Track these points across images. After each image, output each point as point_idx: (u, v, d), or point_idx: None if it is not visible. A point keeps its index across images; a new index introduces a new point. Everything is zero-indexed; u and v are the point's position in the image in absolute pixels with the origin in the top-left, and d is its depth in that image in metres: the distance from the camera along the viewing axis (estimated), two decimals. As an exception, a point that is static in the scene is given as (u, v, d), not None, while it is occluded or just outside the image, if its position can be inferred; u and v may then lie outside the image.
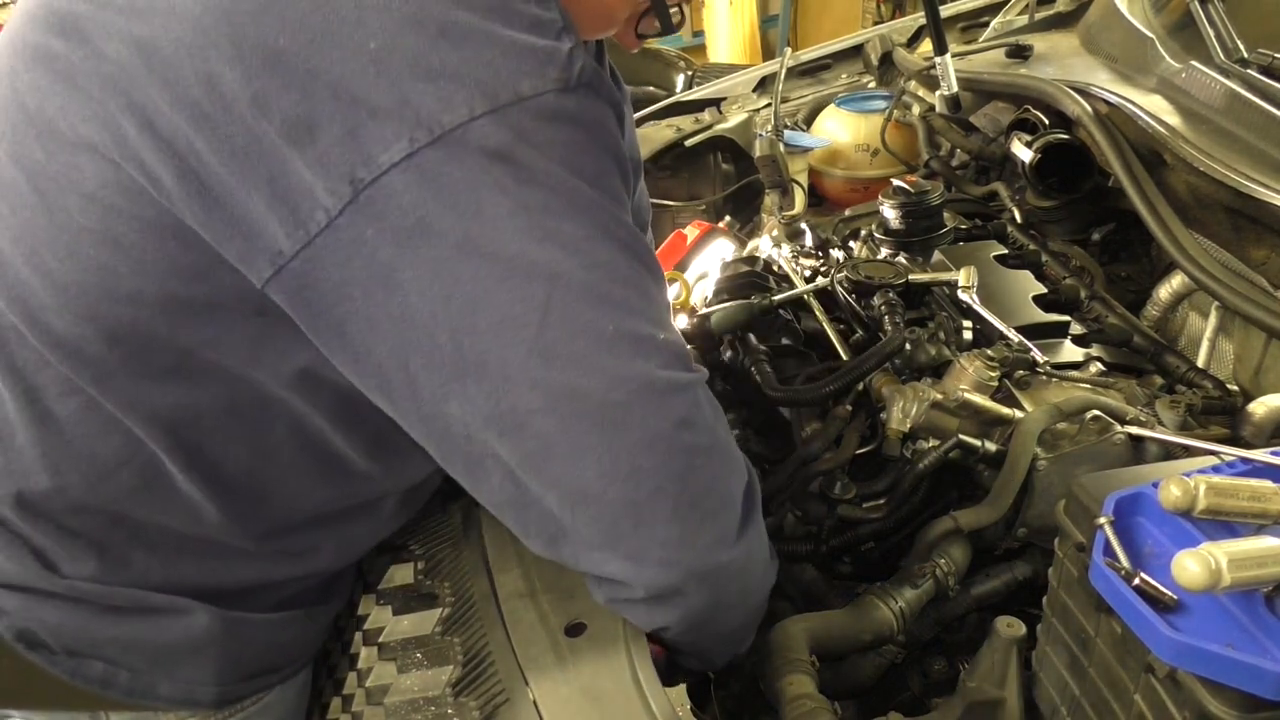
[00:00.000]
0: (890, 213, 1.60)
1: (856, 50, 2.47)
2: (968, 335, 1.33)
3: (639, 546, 0.84)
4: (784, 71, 2.19)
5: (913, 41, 2.43)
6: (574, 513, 0.82)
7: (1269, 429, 1.17)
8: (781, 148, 2.08)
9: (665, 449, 0.81)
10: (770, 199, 2.15)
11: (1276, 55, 1.38)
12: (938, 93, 2.00)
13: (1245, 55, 1.42)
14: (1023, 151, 1.67)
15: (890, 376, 1.28)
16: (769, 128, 2.09)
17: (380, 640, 1.01)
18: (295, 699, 1.09)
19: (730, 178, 2.35)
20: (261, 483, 0.94)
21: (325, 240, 0.76)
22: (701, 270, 1.90)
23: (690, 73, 3.90)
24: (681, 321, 1.47)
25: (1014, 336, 1.28)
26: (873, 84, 2.41)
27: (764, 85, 2.40)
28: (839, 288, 1.47)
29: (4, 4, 4.51)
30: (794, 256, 1.69)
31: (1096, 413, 1.12)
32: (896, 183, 1.65)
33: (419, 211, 0.75)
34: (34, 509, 0.91)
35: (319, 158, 0.74)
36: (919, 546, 1.12)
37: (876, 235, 1.62)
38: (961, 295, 1.37)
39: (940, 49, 1.93)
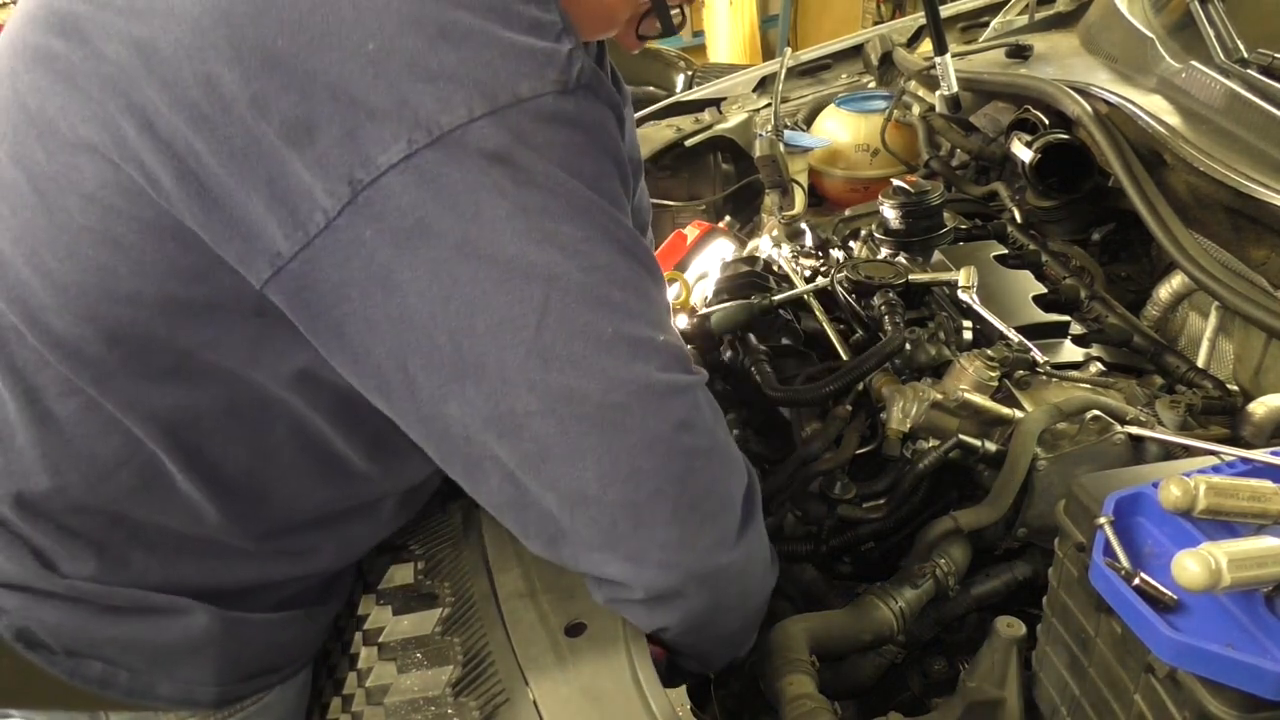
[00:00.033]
0: (890, 213, 1.60)
1: (856, 50, 2.47)
2: (968, 335, 1.33)
3: (638, 548, 0.84)
4: (784, 71, 2.19)
5: (913, 41, 2.43)
6: (573, 514, 0.82)
7: (1269, 429, 1.17)
8: (781, 148, 2.07)
9: (665, 451, 0.81)
10: (770, 199, 2.15)
11: (1276, 55, 1.38)
12: (938, 93, 2.00)
13: (1245, 55, 1.42)
14: (1023, 151, 1.67)
15: (890, 376, 1.28)
16: (769, 128, 2.09)
17: (380, 640, 1.01)
18: (295, 699, 1.09)
19: (730, 178, 2.35)
20: (261, 483, 0.94)
21: (324, 241, 0.76)
22: (701, 270, 1.90)
23: (690, 73, 3.90)
24: (681, 321, 1.47)
25: (1014, 336, 1.28)
26: (873, 84, 2.41)
27: (764, 85, 2.40)
28: (839, 288, 1.47)
29: (4, 4, 4.51)
30: (794, 256, 1.68)
31: (1096, 413, 1.12)
32: (896, 183, 1.65)
33: (418, 213, 0.75)
34: (34, 509, 0.91)
35: (318, 159, 0.74)
36: (919, 546, 1.12)
37: (876, 235, 1.62)
38: (961, 295, 1.37)
39: (940, 49, 1.93)
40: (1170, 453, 1.08)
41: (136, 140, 0.78)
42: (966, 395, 1.16)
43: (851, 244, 1.71)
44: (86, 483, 0.90)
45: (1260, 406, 1.19)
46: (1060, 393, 1.19)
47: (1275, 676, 0.65)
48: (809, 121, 2.30)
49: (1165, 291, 1.49)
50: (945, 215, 1.64)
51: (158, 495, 0.91)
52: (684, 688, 0.89)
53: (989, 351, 1.23)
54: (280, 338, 0.84)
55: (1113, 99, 1.53)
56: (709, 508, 0.85)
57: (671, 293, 1.61)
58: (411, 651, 0.97)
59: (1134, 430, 1.09)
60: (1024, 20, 2.17)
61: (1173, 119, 1.43)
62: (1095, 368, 1.30)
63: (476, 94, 0.75)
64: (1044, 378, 1.22)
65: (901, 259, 1.53)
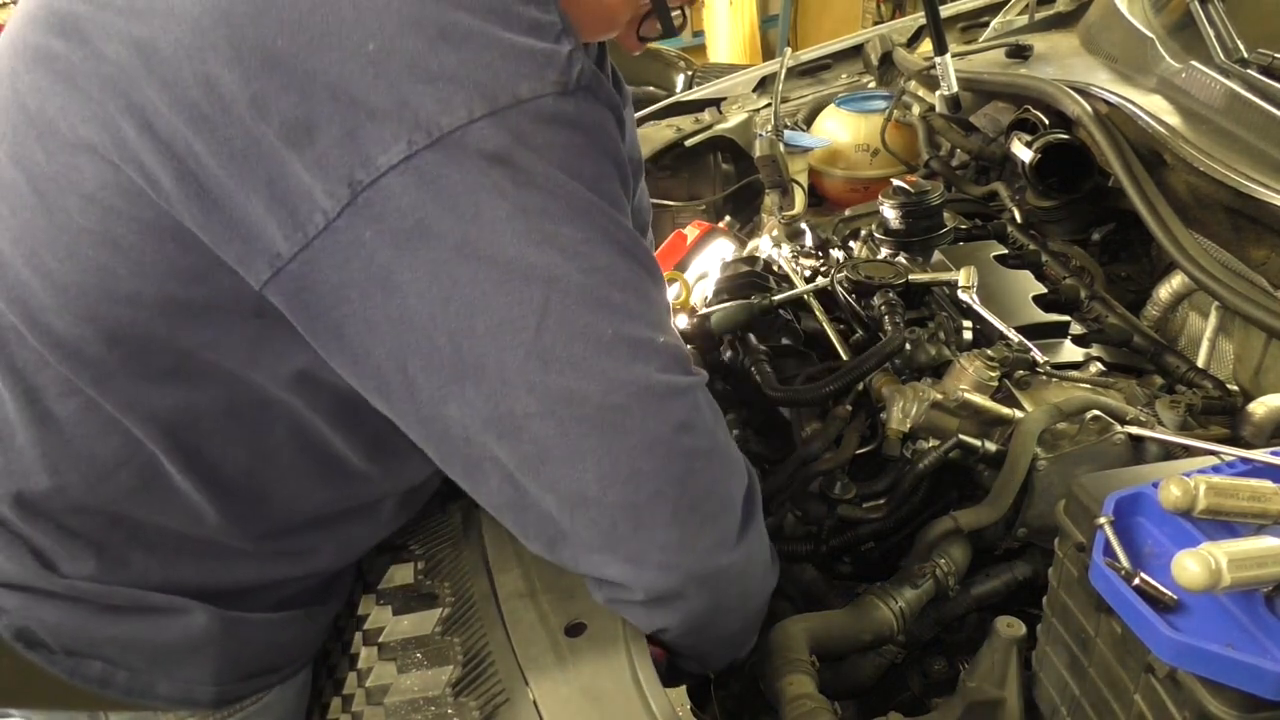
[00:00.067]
0: (890, 213, 1.60)
1: (856, 50, 2.47)
2: (968, 335, 1.33)
3: (638, 549, 0.83)
4: (784, 71, 2.19)
5: (913, 41, 2.43)
6: (573, 516, 0.82)
7: (1269, 429, 1.17)
8: (781, 148, 2.07)
9: (665, 452, 0.81)
10: (770, 199, 2.15)
11: (1276, 55, 1.38)
12: (938, 93, 2.00)
13: (1245, 55, 1.42)
14: (1023, 151, 1.67)
15: (890, 376, 1.28)
16: (769, 128, 2.09)
17: (380, 640, 1.01)
18: (295, 699, 1.09)
19: (730, 178, 2.35)
20: (260, 484, 0.94)
21: (323, 242, 0.76)
22: (701, 270, 1.90)
23: (690, 73, 3.90)
24: (681, 321, 1.47)
25: (1014, 336, 1.28)
26: (873, 84, 2.41)
27: (764, 85, 2.40)
28: (839, 288, 1.47)
29: (4, 4, 4.51)
30: (794, 256, 1.68)
31: (1096, 413, 1.12)
32: (896, 183, 1.65)
33: (417, 214, 0.75)
34: (33, 509, 0.91)
35: (317, 159, 0.74)
36: (919, 546, 1.12)
37: (876, 235, 1.62)
38: (961, 295, 1.37)
39: (940, 49, 1.93)
40: (1170, 453, 1.08)
41: (136, 141, 0.78)
42: (966, 395, 1.16)
43: (851, 244, 1.71)
44: (86, 483, 0.90)
45: (1260, 406, 1.19)
46: (1060, 393, 1.19)
47: (1275, 676, 0.65)
48: (809, 121, 2.30)
49: (1165, 291, 1.49)
50: (945, 215, 1.64)
51: (157, 495, 0.91)
52: (684, 688, 0.89)
53: (989, 351, 1.23)
54: (280, 339, 0.84)
55: (1113, 99, 1.53)
56: (709, 509, 0.85)
57: (671, 293, 1.61)
58: (411, 651, 0.97)
59: (1134, 430, 1.09)
60: (1024, 20, 2.17)
61: (1173, 119, 1.43)
62: (1095, 368, 1.30)
63: (476, 95, 0.75)
64: (1044, 378, 1.22)
65: (901, 259, 1.53)
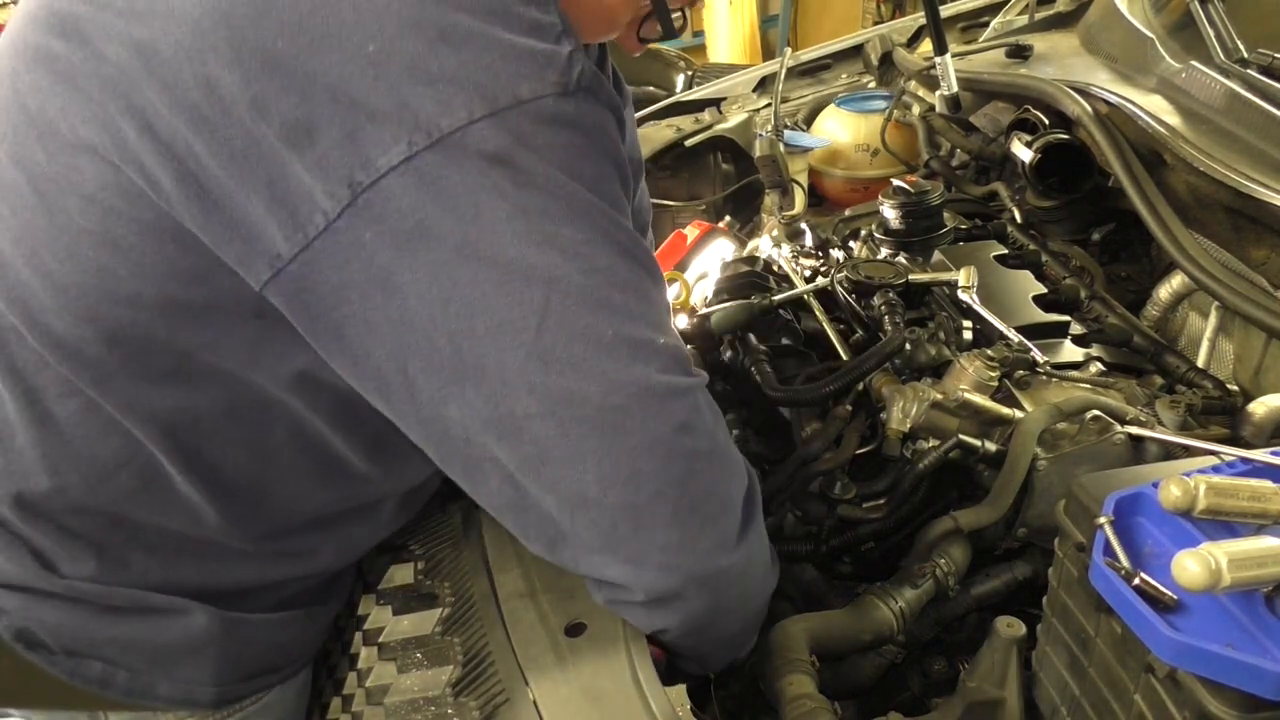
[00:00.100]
0: (890, 213, 1.60)
1: (856, 50, 2.47)
2: (968, 335, 1.33)
3: (638, 551, 0.83)
4: (784, 71, 2.19)
5: (913, 41, 2.43)
6: (573, 516, 0.82)
7: (1269, 429, 1.17)
8: (781, 148, 2.07)
9: (665, 453, 0.81)
10: (770, 199, 2.15)
11: (1276, 55, 1.38)
12: (938, 93, 2.00)
13: (1245, 55, 1.42)
14: (1023, 151, 1.67)
15: (890, 376, 1.28)
16: (769, 128, 2.09)
17: (380, 640, 1.01)
18: (295, 699, 1.09)
19: (730, 178, 2.35)
20: (261, 485, 0.94)
21: (323, 243, 0.76)
22: (701, 270, 1.90)
23: (690, 73, 3.90)
24: (681, 321, 1.47)
25: (1014, 336, 1.28)
26: (873, 84, 2.41)
27: (764, 85, 2.40)
28: (839, 288, 1.47)
29: (4, 4, 4.51)
30: (794, 256, 1.68)
31: (1096, 413, 1.12)
32: (896, 183, 1.65)
33: (417, 215, 0.75)
34: (33, 509, 0.91)
35: (318, 161, 0.74)
36: (919, 546, 1.12)
37: (876, 235, 1.62)
38: (961, 295, 1.37)
39: (940, 49, 1.93)
40: (1170, 453, 1.08)
41: (136, 142, 0.78)
42: (966, 395, 1.16)
43: (851, 244, 1.71)
44: (86, 484, 0.90)
45: (1260, 406, 1.19)
46: (1060, 393, 1.19)
47: (1275, 676, 0.65)
48: (809, 121, 2.30)
49: (1165, 291, 1.49)
50: (945, 215, 1.64)
51: (157, 496, 0.91)
52: (684, 687, 0.89)
53: (989, 351, 1.23)
54: (280, 340, 0.84)
55: (1113, 99, 1.53)
56: (709, 510, 0.85)
57: (671, 293, 1.61)
58: (411, 651, 0.97)
59: (1134, 430, 1.09)
60: (1024, 20, 2.17)
61: (1173, 119, 1.43)
62: (1095, 368, 1.30)
63: (476, 96, 0.75)
64: (1044, 378, 1.22)
65: (901, 259, 1.53)
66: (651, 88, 3.61)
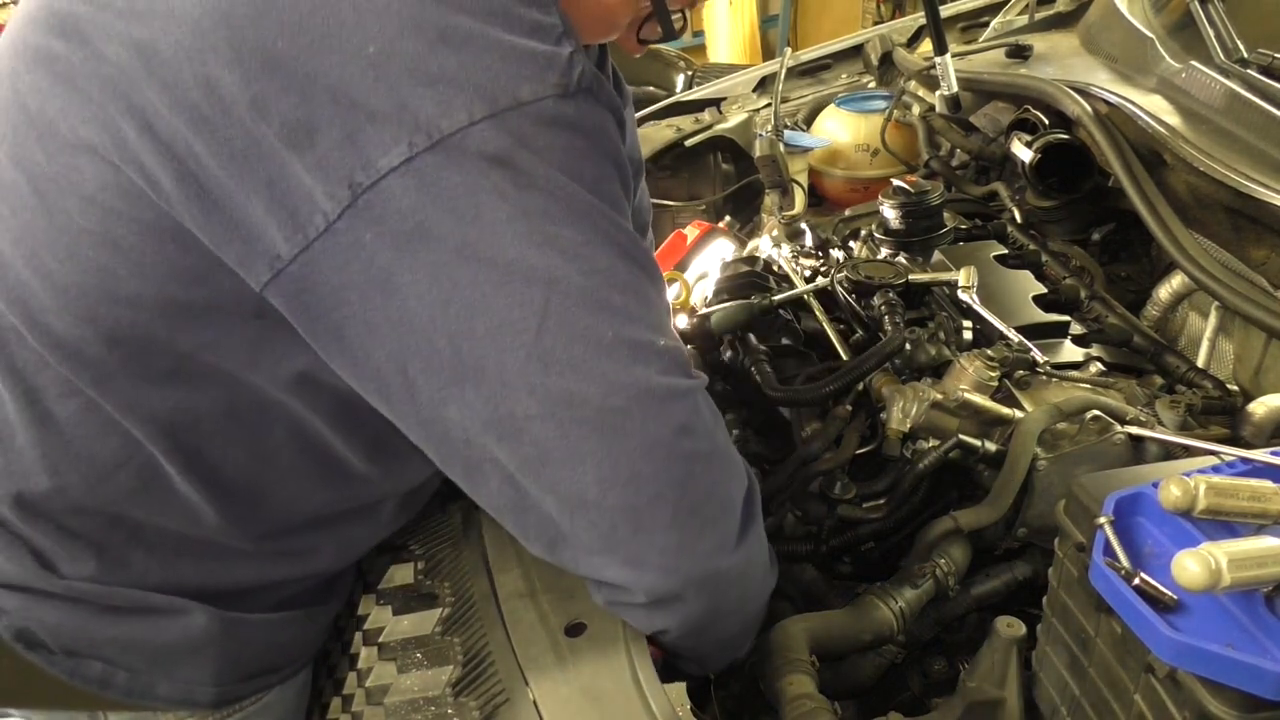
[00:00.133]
0: (890, 213, 1.60)
1: (856, 50, 2.47)
2: (968, 335, 1.33)
3: (638, 552, 0.83)
4: (784, 71, 2.19)
5: (913, 41, 2.43)
6: (573, 518, 0.82)
7: (1269, 429, 1.17)
8: (781, 148, 2.07)
9: (665, 455, 0.81)
10: (770, 199, 2.15)
11: (1276, 55, 1.38)
12: (938, 93, 2.00)
13: (1245, 55, 1.42)
14: (1023, 151, 1.67)
15: (890, 376, 1.28)
16: (769, 128, 2.09)
17: (380, 640, 1.01)
18: (295, 699, 1.09)
19: (730, 178, 2.35)
20: (260, 485, 0.94)
21: (323, 244, 0.76)
22: (701, 270, 1.90)
23: (690, 73, 3.90)
24: (681, 321, 1.47)
25: (1014, 336, 1.28)
26: (873, 84, 2.41)
27: (764, 85, 2.40)
28: (839, 288, 1.47)
29: (4, 4, 4.51)
30: (794, 256, 1.68)
31: (1096, 413, 1.12)
32: (896, 183, 1.65)
33: (417, 216, 0.75)
34: (33, 510, 0.91)
35: (318, 161, 0.74)
36: (919, 546, 1.12)
37: (876, 235, 1.62)
38: (961, 295, 1.37)
39: (940, 49, 1.93)
40: (1170, 453, 1.08)
41: (136, 142, 0.78)
42: (966, 395, 1.16)
43: (851, 244, 1.71)
44: (86, 484, 0.90)
45: (1260, 406, 1.19)
46: (1060, 393, 1.19)
47: (1275, 676, 0.65)
48: (809, 121, 2.30)
49: (1165, 291, 1.49)
50: (945, 215, 1.64)
51: (157, 497, 0.91)
52: (684, 686, 0.89)
53: (989, 351, 1.23)
54: (280, 340, 0.84)
55: (1113, 99, 1.53)
56: (709, 512, 0.85)
57: (671, 293, 1.61)
58: (411, 651, 0.97)
59: (1134, 430, 1.09)
60: (1024, 20, 2.17)
61: (1173, 119, 1.43)
62: (1095, 368, 1.30)
63: (477, 98, 0.75)
64: (1044, 378, 1.22)
65: (901, 259, 1.53)
66: (651, 88, 3.61)
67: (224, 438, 0.91)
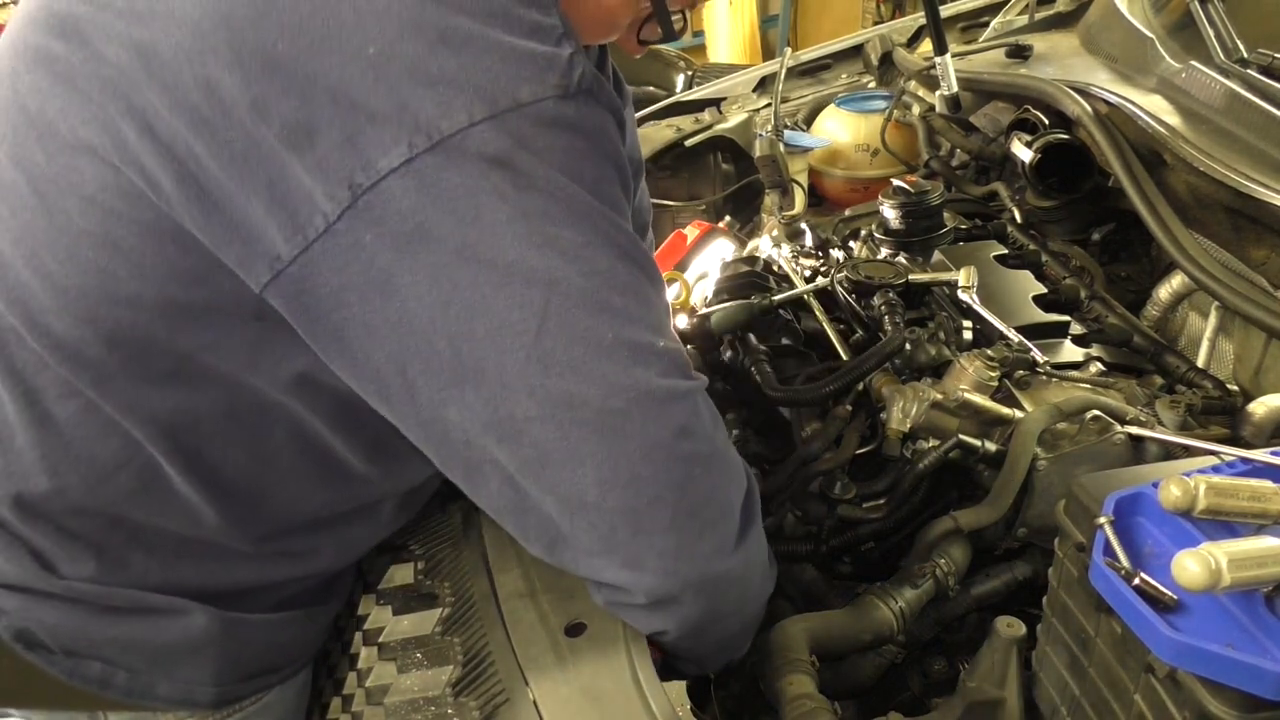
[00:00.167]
0: (890, 213, 1.60)
1: (856, 50, 2.47)
2: (968, 335, 1.33)
3: (637, 554, 0.84)
4: (784, 71, 2.19)
5: (913, 41, 2.43)
6: (572, 519, 0.82)
7: (1269, 429, 1.17)
8: (781, 148, 2.07)
9: (664, 457, 0.81)
10: (770, 199, 2.15)
11: (1276, 55, 1.38)
12: (938, 93, 2.00)
13: (1245, 55, 1.42)
14: (1023, 151, 1.67)
15: (890, 376, 1.28)
16: (769, 128, 2.09)
17: (380, 640, 1.01)
18: (295, 699, 1.09)
19: (730, 178, 2.35)
20: (260, 486, 0.94)
21: (323, 245, 0.76)
22: (701, 270, 1.90)
23: (690, 73, 3.90)
24: (681, 321, 1.47)
25: (1014, 336, 1.28)
26: (873, 84, 2.41)
27: (764, 85, 2.40)
28: (839, 288, 1.47)
29: (4, 4, 4.51)
30: (794, 256, 1.68)
31: (1096, 413, 1.12)
32: (896, 183, 1.65)
33: (417, 217, 0.75)
34: (33, 510, 0.91)
35: (318, 163, 0.74)
36: (919, 546, 1.12)
37: (876, 235, 1.62)
38: (961, 295, 1.37)
39: (940, 49, 1.93)
40: (1170, 453, 1.08)
41: (137, 143, 0.78)
42: (966, 395, 1.16)
43: (851, 244, 1.71)
44: (86, 485, 0.90)
45: (1260, 406, 1.19)
46: (1060, 393, 1.19)
47: (1275, 676, 0.65)
48: (809, 121, 2.30)
49: (1165, 291, 1.49)
50: (945, 215, 1.64)
51: (157, 497, 0.91)
52: (684, 687, 0.89)
53: (989, 351, 1.23)
54: (280, 342, 0.84)
55: (1113, 99, 1.53)
56: (708, 515, 0.85)
57: (671, 293, 1.61)
58: (411, 651, 0.97)
59: (1134, 430, 1.09)
60: (1024, 20, 2.17)
61: (1173, 119, 1.43)
62: (1095, 368, 1.30)
63: (477, 99, 0.75)
64: (1044, 378, 1.22)
65: (901, 259, 1.53)
66: (651, 88, 3.61)
67: (224, 439, 0.91)
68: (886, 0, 6.14)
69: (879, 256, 1.57)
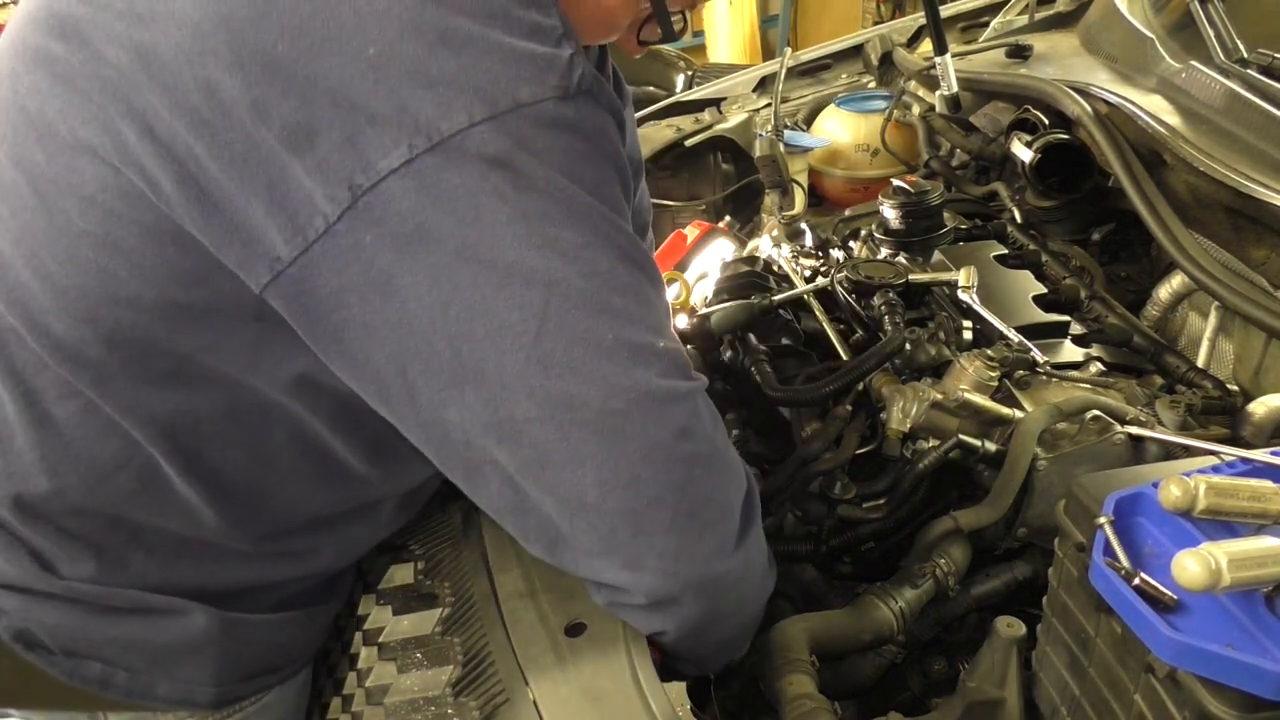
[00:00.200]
0: (890, 213, 1.60)
1: (856, 50, 2.47)
2: (968, 335, 1.33)
3: (637, 555, 0.84)
4: (784, 71, 2.19)
5: (913, 41, 2.43)
6: (572, 520, 0.82)
7: (1269, 429, 1.17)
8: (781, 148, 2.08)
9: (664, 458, 0.81)
10: (770, 199, 2.15)
11: (1276, 55, 1.38)
12: (938, 93, 2.00)
13: (1245, 55, 1.42)
14: (1023, 151, 1.67)
15: (890, 376, 1.28)
16: (769, 128, 2.09)
17: (380, 640, 1.01)
18: (295, 699, 1.09)
19: (730, 178, 2.35)
20: (260, 486, 0.94)
21: (323, 246, 0.76)
22: (701, 270, 1.90)
23: (690, 73, 3.90)
24: (681, 321, 1.47)
25: (1014, 336, 1.28)
26: (873, 84, 2.41)
27: (764, 85, 2.40)
28: (839, 288, 1.47)
29: (4, 4, 4.52)
30: (794, 256, 1.69)
31: (1096, 413, 1.12)
32: (896, 183, 1.65)
33: (417, 218, 0.75)
34: (33, 511, 0.91)
35: (318, 164, 0.74)
36: (919, 546, 1.12)
37: (876, 235, 1.62)
38: (961, 295, 1.37)
39: (940, 49, 1.93)
40: (1170, 453, 1.08)
41: (137, 144, 0.78)
42: (966, 395, 1.16)
43: (851, 244, 1.71)
44: (85, 485, 0.90)
45: (1260, 406, 1.19)
46: (1060, 393, 1.19)
47: (1275, 676, 0.65)
48: (809, 121, 2.30)
49: (1165, 291, 1.49)
50: (945, 215, 1.64)
51: (157, 498, 0.91)
52: (684, 687, 0.89)
53: (989, 351, 1.23)
54: (280, 342, 0.84)
55: (1113, 99, 1.53)
56: (708, 516, 0.85)
57: (671, 293, 1.61)
58: (411, 651, 0.97)
59: (1134, 430, 1.09)
60: (1024, 20, 2.17)
61: (1173, 119, 1.43)
62: (1095, 368, 1.30)
63: (476, 100, 0.75)
64: (1044, 378, 1.22)
65: (901, 259, 1.53)
66: (651, 88, 3.61)
67: (224, 439, 0.91)
68: (886, 0, 6.14)
69: (879, 256, 1.57)
